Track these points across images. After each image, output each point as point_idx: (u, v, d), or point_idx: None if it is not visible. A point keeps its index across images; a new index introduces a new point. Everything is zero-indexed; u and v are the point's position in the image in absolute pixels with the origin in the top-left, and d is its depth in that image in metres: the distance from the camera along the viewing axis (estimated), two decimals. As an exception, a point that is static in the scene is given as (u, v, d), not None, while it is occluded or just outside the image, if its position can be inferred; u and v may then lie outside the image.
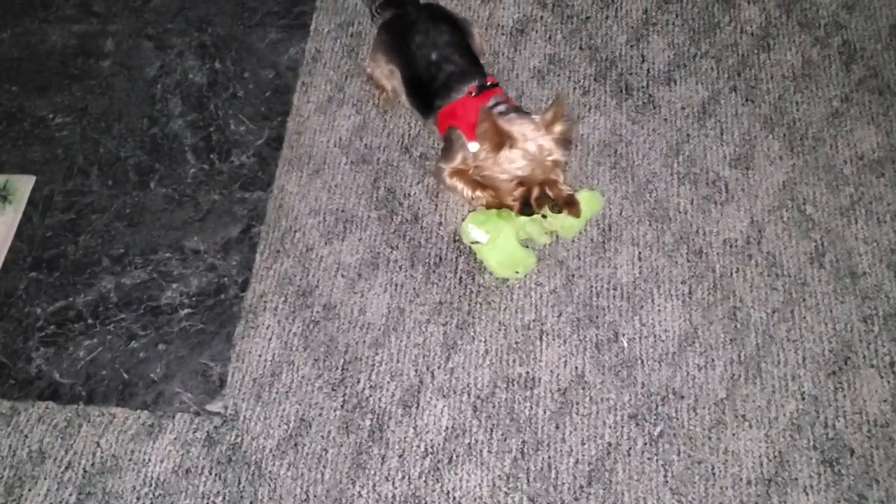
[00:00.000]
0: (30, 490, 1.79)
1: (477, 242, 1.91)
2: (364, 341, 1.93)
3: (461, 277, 2.00)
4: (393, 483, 1.77)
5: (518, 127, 1.82)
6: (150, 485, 1.79)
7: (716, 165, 2.12)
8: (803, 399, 1.82)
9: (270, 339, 1.94)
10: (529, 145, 1.81)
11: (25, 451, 1.83)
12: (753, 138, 2.15)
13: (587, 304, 1.95)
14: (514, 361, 1.90)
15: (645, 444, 1.79)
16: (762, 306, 1.93)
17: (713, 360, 1.87)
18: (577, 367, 1.88)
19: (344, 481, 1.78)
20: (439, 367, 1.90)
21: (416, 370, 1.89)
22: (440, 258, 2.03)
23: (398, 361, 1.91)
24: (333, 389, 1.88)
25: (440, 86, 1.99)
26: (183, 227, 2.11)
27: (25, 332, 1.98)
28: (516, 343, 1.92)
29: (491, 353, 1.91)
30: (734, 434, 1.79)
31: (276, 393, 1.88)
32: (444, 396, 1.86)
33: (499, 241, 1.91)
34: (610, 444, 1.80)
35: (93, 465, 1.82)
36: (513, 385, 1.87)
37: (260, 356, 1.93)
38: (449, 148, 2.01)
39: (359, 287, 2.00)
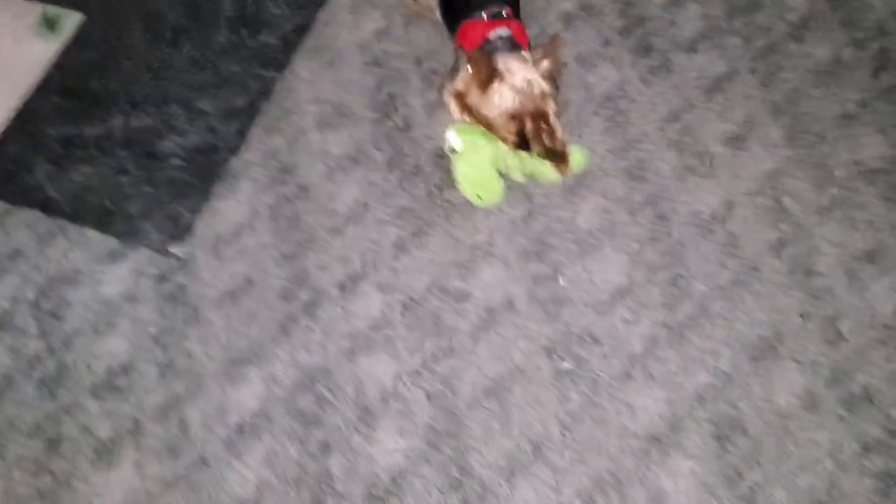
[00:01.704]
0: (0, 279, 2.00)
1: (453, 151, 1.97)
2: (325, 225, 2.05)
3: (431, 191, 2.08)
4: (310, 353, 1.90)
5: (504, 63, 1.86)
6: (99, 301, 1.97)
7: (709, 139, 2.12)
8: (716, 375, 1.84)
9: (243, 203, 2.09)
10: (517, 79, 1.85)
11: (5, 248, 2.04)
12: (755, 122, 2.13)
13: (539, 239, 2.01)
14: (454, 275, 1.98)
15: (550, 375, 1.85)
16: (707, 280, 1.94)
17: (640, 317, 1.91)
18: (509, 293, 1.95)
19: (267, 341, 1.92)
20: (385, 264, 2.00)
21: (362, 262, 2.00)
22: (418, 168, 2.11)
23: (349, 250, 2.02)
24: (284, 260, 2.01)
25: (465, 3, 2.04)
26: (198, 88, 2.27)
27: (36, 147, 2.18)
28: (462, 260, 2.00)
29: (435, 262, 2.00)
30: (637, 389, 1.84)
31: (233, 251, 2.03)
32: (380, 290, 1.97)
33: (474, 158, 1.97)
34: (517, 368, 1.87)
35: (57, 273, 2.01)
36: (446, 295, 1.96)
37: (229, 216, 2.07)
38: (456, 67, 2.08)
39: (335, 177, 2.11)
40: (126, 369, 1.90)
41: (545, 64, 1.88)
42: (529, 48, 2.01)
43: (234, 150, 2.17)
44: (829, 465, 1.75)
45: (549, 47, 1.89)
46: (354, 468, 1.78)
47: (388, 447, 1.80)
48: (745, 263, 1.96)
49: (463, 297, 1.95)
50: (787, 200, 2.03)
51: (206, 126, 2.21)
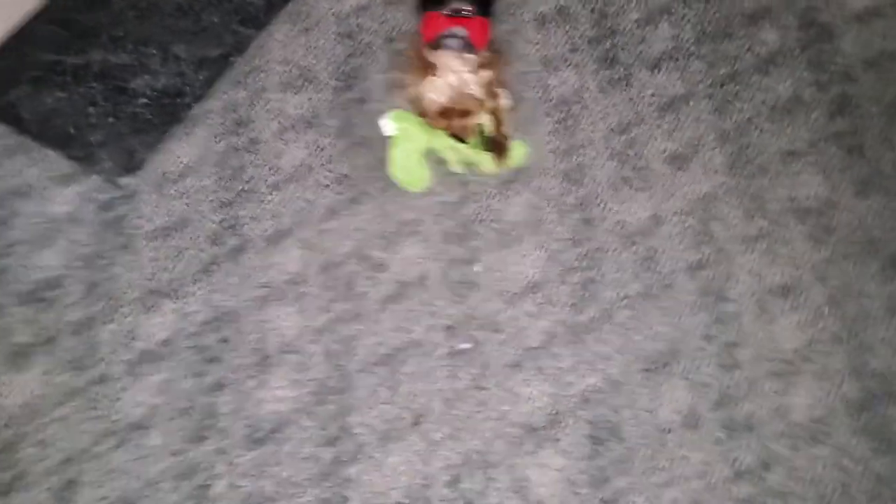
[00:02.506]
0: (-43, 184, 2.12)
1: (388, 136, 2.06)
2: (266, 180, 2.13)
3: (374, 163, 2.15)
4: (224, 296, 1.99)
5: (444, 59, 1.95)
6: (45, 217, 2.08)
7: (651, 155, 2.15)
8: (605, 379, 1.88)
9: (195, 147, 2.18)
10: (451, 77, 1.93)
11: (-32, 155, 2.16)
12: (701, 146, 2.16)
13: (465, 224, 2.07)
14: (377, 245, 2.05)
15: (445, 353, 1.91)
16: (617, 288, 1.98)
17: (545, 312, 1.96)
18: (424, 270, 2.01)
19: (186, 279, 2.01)
20: (313, 225, 2.07)
21: (293, 219, 2.08)
22: (365, 140, 2.18)
23: (284, 206, 2.10)
24: (220, 206, 2.10)
25: None
26: (178, 34, 2.37)
27: (20, 68, 2.30)
28: (387, 232, 2.06)
29: (362, 230, 2.07)
30: (525, 380, 1.88)
31: (175, 191, 2.12)
32: (303, 248, 2.05)
33: (406, 145, 2.05)
34: (414, 341, 1.93)
35: (12, 185, 2.12)
36: (364, 262, 2.03)
37: (179, 157, 2.17)
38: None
39: (286, 136, 2.20)
40: (54, 284, 2.00)
41: (485, 73, 1.96)
42: (489, 48, 2.07)
43: (198, 97, 2.26)
44: (697, 485, 1.78)
45: (493, 59, 1.99)
46: (241, 409, 1.86)
47: (277, 395, 1.87)
48: (659, 279, 1.99)
49: (380, 266, 2.02)
50: (714, 225, 2.05)
51: (178, 71, 2.31)
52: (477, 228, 2.06)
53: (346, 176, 2.14)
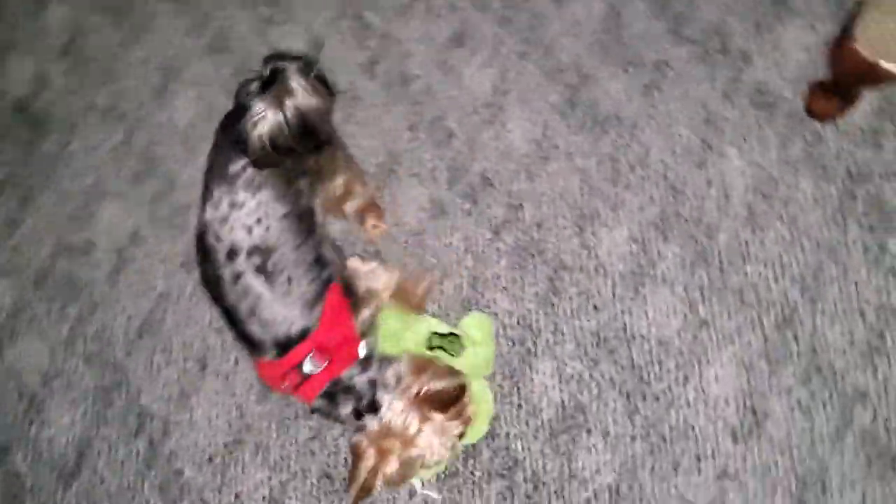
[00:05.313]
0: None
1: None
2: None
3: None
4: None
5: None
6: None
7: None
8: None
9: None
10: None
11: None
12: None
13: (145, 155, 1.93)
14: (73, 229, 1.91)
15: (192, 289, 1.83)
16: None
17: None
18: (133, 225, 1.90)
19: None
20: (-2, 244, 1.92)
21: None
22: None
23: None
24: None
25: None
26: None
27: None
28: (75, 210, 1.92)
29: (52, 224, 1.92)
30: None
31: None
32: (4, 276, 1.90)
33: None
34: (161, 295, 1.85)
35: None
36: (72, 252, 1.90)
37: None
38: None
39: None
40: None
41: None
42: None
43: None
44: (469, 261, 1.75)
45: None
46: (38, 455, 1.77)
47: (63, 423, 1.78)
48: (342, 98, 1.91)
49: (89, 247, 1.93)
50: (368, 15, 1.96)
51: None
52: (159, 152, 1.92)
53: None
